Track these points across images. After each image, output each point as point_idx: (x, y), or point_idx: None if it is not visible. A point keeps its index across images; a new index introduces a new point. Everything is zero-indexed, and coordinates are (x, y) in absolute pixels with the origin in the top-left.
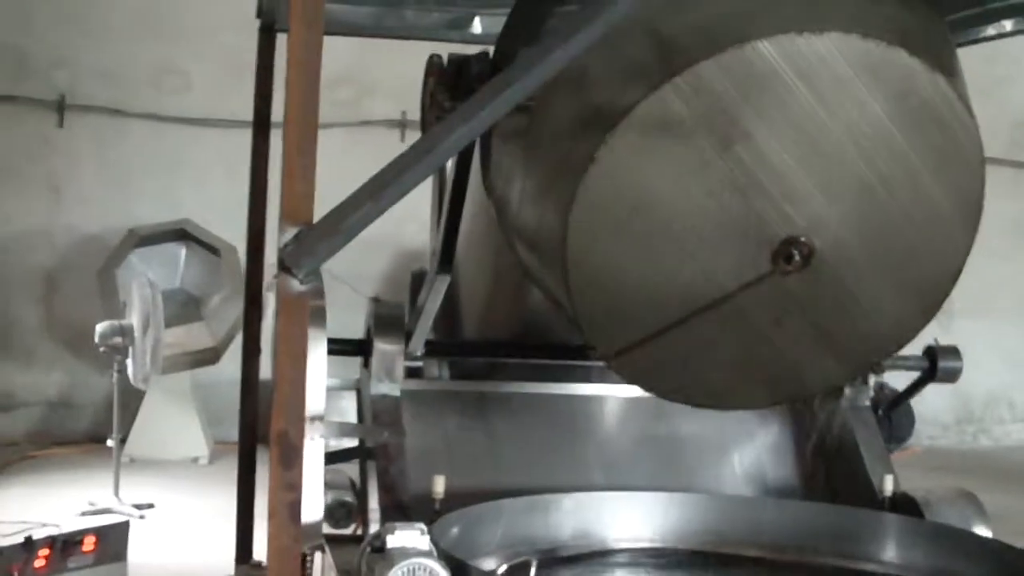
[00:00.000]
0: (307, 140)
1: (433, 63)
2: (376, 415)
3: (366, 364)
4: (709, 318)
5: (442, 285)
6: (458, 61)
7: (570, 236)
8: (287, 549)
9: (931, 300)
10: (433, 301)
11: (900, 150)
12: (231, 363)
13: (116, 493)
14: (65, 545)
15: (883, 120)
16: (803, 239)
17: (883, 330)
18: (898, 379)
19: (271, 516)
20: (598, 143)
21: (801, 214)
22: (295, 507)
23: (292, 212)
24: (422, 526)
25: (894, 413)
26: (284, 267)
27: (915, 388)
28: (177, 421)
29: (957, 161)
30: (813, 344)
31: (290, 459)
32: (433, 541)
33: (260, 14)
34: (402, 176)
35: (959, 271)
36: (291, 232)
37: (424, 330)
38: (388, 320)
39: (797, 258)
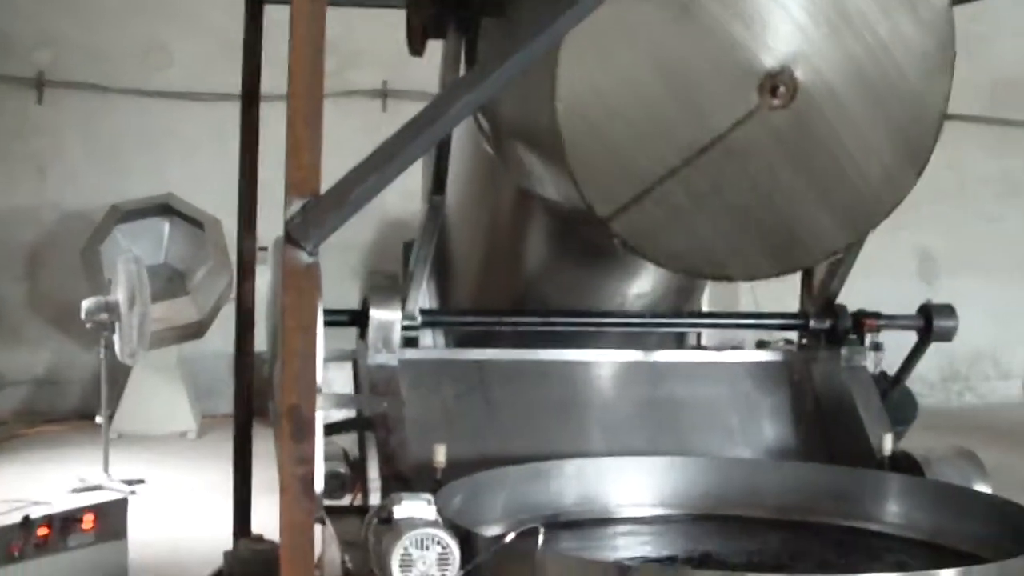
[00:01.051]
0: (313, 112)
1: None
2: (374, 385)
3: (362, 335)
4: (703, 165)
5: (436, 210)
6: None
7: (559, 87)
8: (300, 523)
9: (917, 148)
10: (429, 231)
11: None
12: (217, 336)
13: (106, 469)
14: (64, 523)
15: None
16: (786, 71)
17: (874, 183)
18: (893, 343)
19: (283, 491)
20: None
21: (783, 46)
22: (308, 481)
23: (299, 184)
24: (429, 496)
25: (896, 393)
26: (291, 240)
27: (915, 355)
28: (164, 396)
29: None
30: (808, 200)
31: (302, 432)
32: (437, 510)
33: None
34: (407, 146)
35: (941, 118)
36: (298, 204)
37: (422, 275)
38: (384, 290)
39: (783, 90)
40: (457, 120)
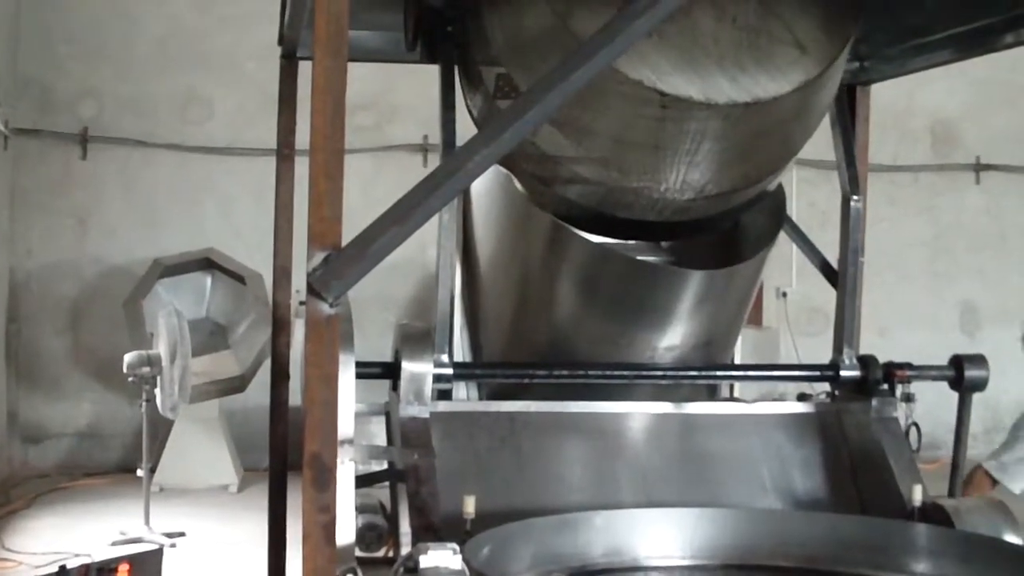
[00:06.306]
0: (334, 165)
1: None
2: (406, 437)
3: (395, 387)
4: None
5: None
6: None
7: None
8: (322, 571)
9: None
10: (445, 274)
11: None
12: (258, 391)
13: (147, 522)
14: (99, 573)
15: None
16: None
17: None
18: (925, 392)
19: (305, 538)
20: None
21: None
22: (329, 529)
23: (320, 236)
24: (455, 546)
25: None
26: (313, 291)
27: (962, 417)
28: (206, 449)
29: None
30: None
31: (323, 481)
32: (465, 561)
33: (282, 42)
34: (428, 199)
35: None
36: (319, 256)
37: (446, 325)
38: (416, 342)
39: None
40: (476, 174)
